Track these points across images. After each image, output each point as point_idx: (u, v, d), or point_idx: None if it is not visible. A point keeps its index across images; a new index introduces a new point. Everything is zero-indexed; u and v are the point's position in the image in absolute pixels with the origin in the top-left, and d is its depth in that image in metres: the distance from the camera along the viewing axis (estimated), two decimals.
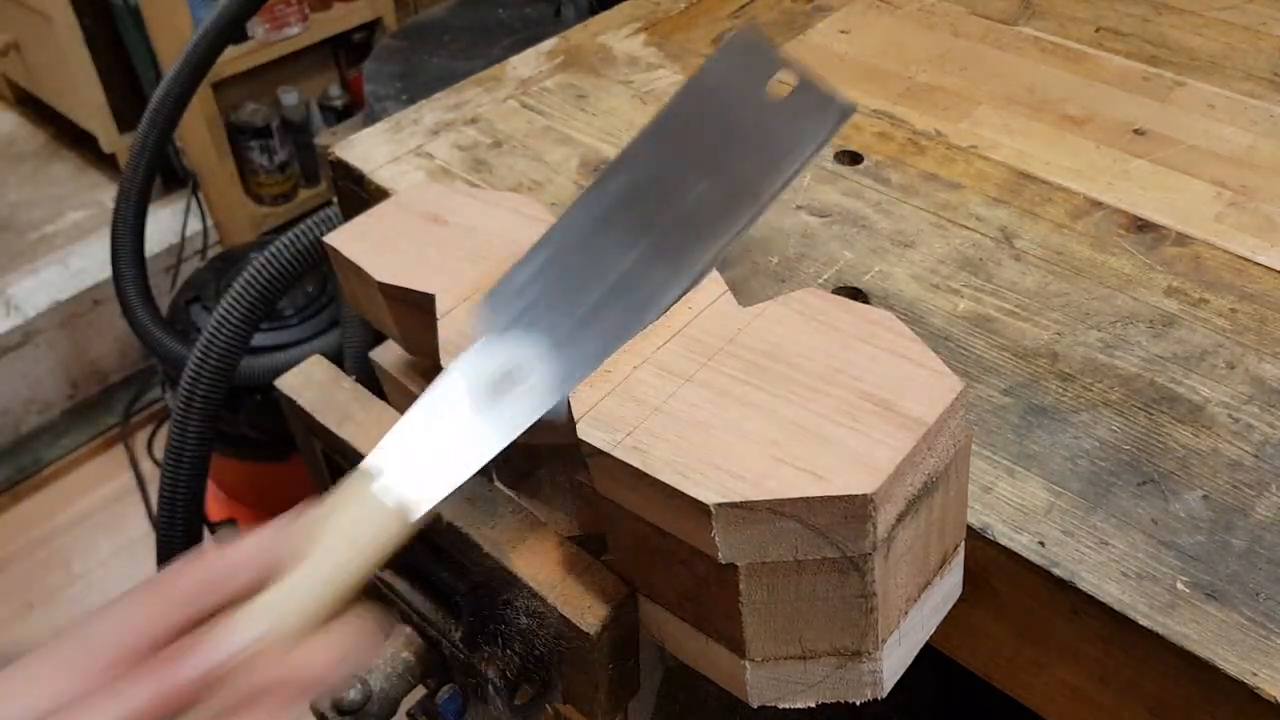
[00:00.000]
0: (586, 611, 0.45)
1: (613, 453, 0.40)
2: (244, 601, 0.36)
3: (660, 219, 0.49)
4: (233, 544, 0.37)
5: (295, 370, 0.56)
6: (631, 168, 0.51)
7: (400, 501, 0.40)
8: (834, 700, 0.44)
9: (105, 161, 2.18)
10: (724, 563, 0.39)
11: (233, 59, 1.99)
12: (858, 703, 0.43)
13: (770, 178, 0.52)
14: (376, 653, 0.50)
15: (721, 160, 0.51)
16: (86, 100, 2.01)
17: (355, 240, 0.54)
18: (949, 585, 0.46)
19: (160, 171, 1.77)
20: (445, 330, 0.49)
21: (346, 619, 0.38)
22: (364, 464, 0.40)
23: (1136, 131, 0.71)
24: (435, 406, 0.42)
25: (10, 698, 0.33)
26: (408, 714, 0.54)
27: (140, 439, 2.03)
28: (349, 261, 0.53)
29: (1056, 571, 0.45)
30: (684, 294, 0.47)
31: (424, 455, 0.41)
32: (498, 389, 0.43)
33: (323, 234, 0.86)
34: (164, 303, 1.57)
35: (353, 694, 0.48)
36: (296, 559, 0.37)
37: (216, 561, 0.36)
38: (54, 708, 0.32)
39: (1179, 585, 0.44)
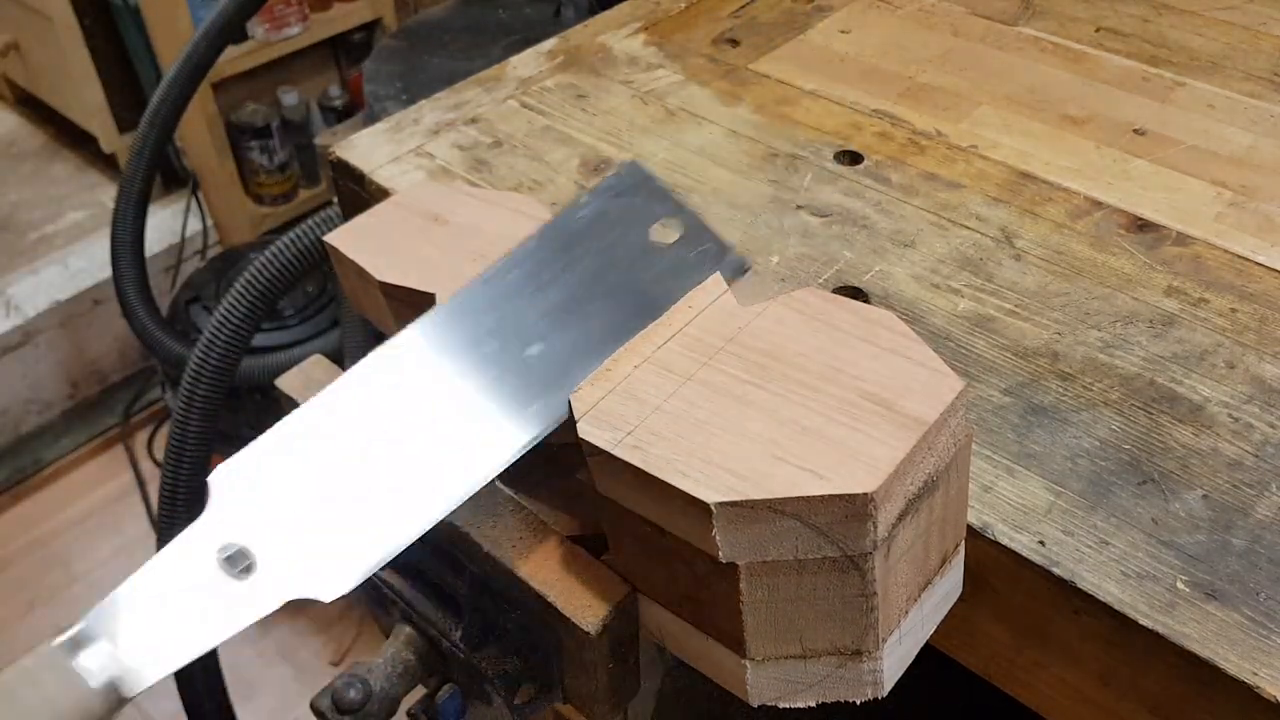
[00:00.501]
0: (586, 611, 0.45)
1: (613, 452, 0.40)
2: None
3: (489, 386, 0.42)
4: None
5: (295, 370, 0.56)
6: (477, 307, 0.45)
7: (110, 679, 0.34)
8: (834, 700, 0.44)
9: (105, 161, 2.18)
10: (724, 562, 0.39)
11: (233, 59, 2.00)
12: (858, 702, 0.43)
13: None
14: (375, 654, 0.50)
15: (587, 306, 0.45)
16: (86, 100, 2.01)
17: (356, 239, 0.54)
18: (949, 585, 0.46)
19: (160, 171, 1.77)
20: None
21: None
22: (68, 634, 0.35)
23: (1136, 131, 0.71)
24: (166, 572, 0.37)
25: None
26: (408, 714, 0.54)
27: (140, 439, 2.03)
28: (350, 261, 0.53)
29: (1056, 571, 0.45)
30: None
31: (151, 624, 0.35)
32: (232, 562, 0.38)
33: (323, 234, 0.86)
34: (164, 303, 1.57)
35: (353, 694, 0.48)
36: None
37: None
38: None
39: (1179, 585, 0.44)
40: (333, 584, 0.38)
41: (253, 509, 0.38)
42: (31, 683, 0.34)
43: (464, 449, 0.42)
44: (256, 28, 2.02)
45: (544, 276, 0.46)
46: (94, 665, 0.34)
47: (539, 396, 0.43)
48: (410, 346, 0.44)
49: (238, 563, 0.37)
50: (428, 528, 0.40)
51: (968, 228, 0.64)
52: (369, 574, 0.39)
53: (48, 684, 0.34)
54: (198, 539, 0.37)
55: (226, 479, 0.39)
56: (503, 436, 0.42)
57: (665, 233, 0.48)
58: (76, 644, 0.35)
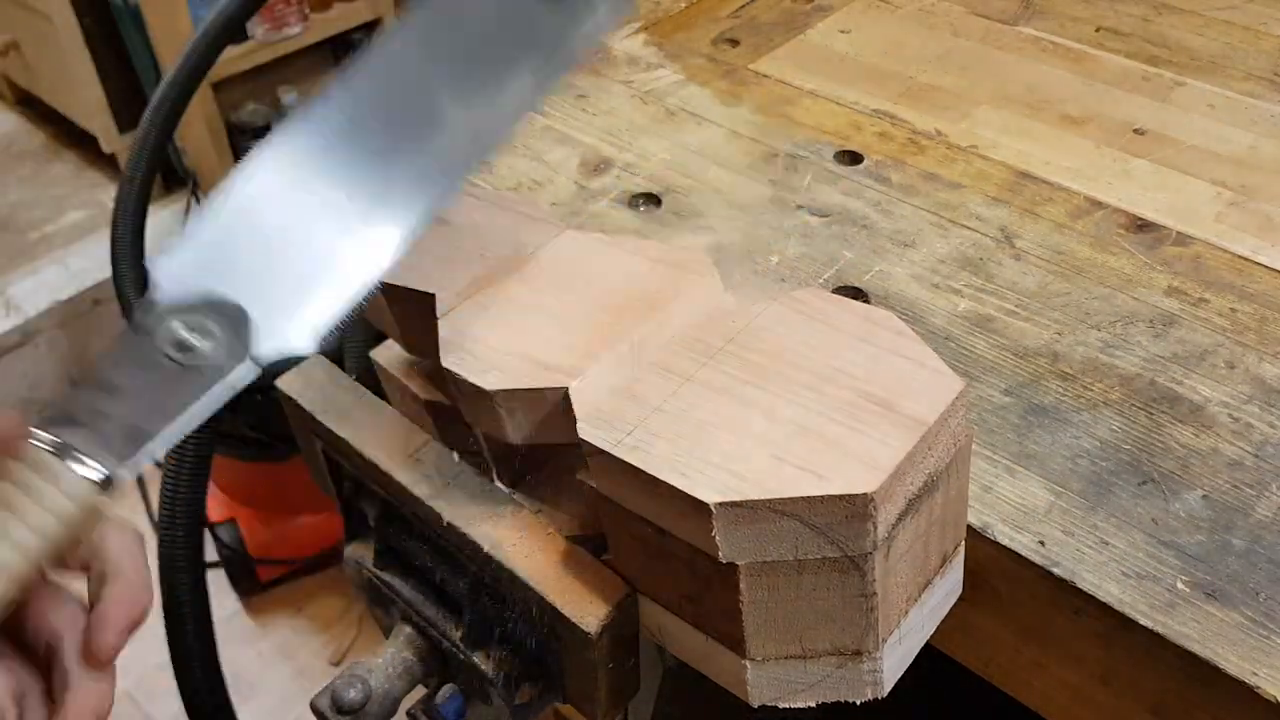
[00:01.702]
0: (586, 611, 0.45)
1: (613, 452, 0.40)
2: None
3: (397, 155, 0.42)
4: None
5: (295, 370, 0.56)
6: (373, 77, 0.43)
7: (102, 475, 0.35)
8: (834, 700, 0.44)
9: (105, 161, 2.18)
10: (724, 562, 0.39)
11: (233, 59, 1.99)
12: (858, 703, 0.43)
13: (534, 82, 0.44)
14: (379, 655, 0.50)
15: (482, 67, 0.44)
16: (86, 100, 2.01)
17: None
18: (949, 585, 0.46)
19: (160, 171, 1.77)
20: (445, 330, 0.49)
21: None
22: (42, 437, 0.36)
23: (1136, 131, 0.71)
24: (121, 361, 0.39)
25: None
26: (408, 714, 0.54)
27: None
28: None
29: (1057, 571, 0.45)
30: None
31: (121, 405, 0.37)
32: (179, 348, 0.39)
33: None
34: None
35: (353, 694, 0.48)
36: None
37: None
38: None
39: (1179, 585, 0.44)
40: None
41: (194, 295, 0.39)
42: (27, 488, 0.34)
43: (415, 187, 0.42)
44: (256, 28, 2.02)
45: (443, 33, 0.45)
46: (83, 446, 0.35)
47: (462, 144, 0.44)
48: (333, 103, 0.43)
49: (184, 348, 0.38)
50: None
51: (968, 228, 0.64)
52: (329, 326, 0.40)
53: (40, 489, 0.34)
54: (145, 325, 0.38)
55: (166, 271, 0.40)
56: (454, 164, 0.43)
57: None
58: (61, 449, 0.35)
